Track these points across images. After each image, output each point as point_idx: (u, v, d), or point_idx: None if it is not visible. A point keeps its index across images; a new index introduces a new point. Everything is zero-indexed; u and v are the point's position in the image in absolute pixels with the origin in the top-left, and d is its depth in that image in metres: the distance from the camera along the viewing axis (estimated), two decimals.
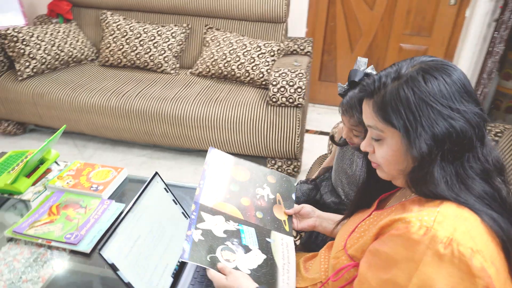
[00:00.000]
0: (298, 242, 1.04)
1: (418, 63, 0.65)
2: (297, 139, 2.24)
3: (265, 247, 0.91)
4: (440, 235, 0.55)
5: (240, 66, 2.48)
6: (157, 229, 0.90)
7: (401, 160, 0.65)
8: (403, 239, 0.58)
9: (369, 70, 1.07)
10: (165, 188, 0.97)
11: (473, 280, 0.54)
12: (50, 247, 1.09)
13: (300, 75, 2.14)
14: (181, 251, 0.78)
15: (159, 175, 0.95)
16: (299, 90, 2.12)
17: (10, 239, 1.12)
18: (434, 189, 0.61)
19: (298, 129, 2.21)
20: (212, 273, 0.78)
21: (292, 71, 2.16)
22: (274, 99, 2.16)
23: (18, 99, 2.54)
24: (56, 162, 1.47)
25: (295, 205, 1.07)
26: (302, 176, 2.39)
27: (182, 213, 1.01)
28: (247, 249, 0.88)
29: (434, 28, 2.82)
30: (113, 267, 0.74)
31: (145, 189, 0.89)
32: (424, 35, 2.87)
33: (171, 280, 0.87)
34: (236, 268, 0.81)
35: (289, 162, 2.36)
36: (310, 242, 1.11)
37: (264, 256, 0.88)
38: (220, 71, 2.54)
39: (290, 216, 1.06)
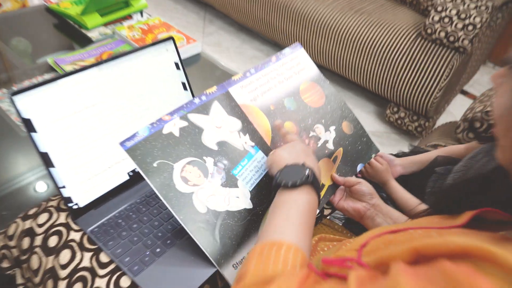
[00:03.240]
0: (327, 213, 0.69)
1: None
2: (437, 93, 1.68)
3: (263, 196, 0.60)
4: None
5: None
6: (134, 108, 0.65)
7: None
8: None
9: None
10: (176, 63, 0.69)
11: None
12: None
13: (483, 9, 1.50)
14: (130, 134, 0.52)
15: (175, 44, 0.66)
16: (469, 28, 1.51)
17: (51, 68, 1.03)
18: None
19: (445, 80, 1.65)
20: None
21: (475, 0, 1.53)
22: (429, 30, 1.60)
23: None
24: (141, 13, 1.31)
25: (353, 177, 0.70)
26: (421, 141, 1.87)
27: None
28: (231, 183, 0.58)
29: None
30: (28, 125, 0.52)
31: (140, 49, 0.62)
32: None
33: (125, 178, 0.64)
34: (189, 197, 0.53)
35: (414, 117, 1.84)
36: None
37: (249, 207, 0.58)
38: None
39: (334, 184, 0.70)
